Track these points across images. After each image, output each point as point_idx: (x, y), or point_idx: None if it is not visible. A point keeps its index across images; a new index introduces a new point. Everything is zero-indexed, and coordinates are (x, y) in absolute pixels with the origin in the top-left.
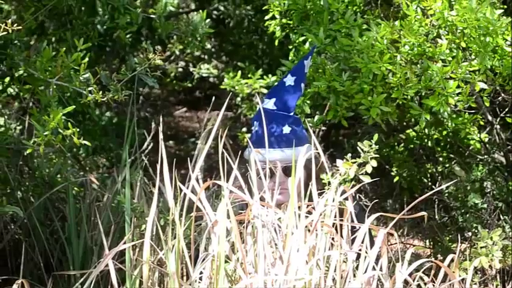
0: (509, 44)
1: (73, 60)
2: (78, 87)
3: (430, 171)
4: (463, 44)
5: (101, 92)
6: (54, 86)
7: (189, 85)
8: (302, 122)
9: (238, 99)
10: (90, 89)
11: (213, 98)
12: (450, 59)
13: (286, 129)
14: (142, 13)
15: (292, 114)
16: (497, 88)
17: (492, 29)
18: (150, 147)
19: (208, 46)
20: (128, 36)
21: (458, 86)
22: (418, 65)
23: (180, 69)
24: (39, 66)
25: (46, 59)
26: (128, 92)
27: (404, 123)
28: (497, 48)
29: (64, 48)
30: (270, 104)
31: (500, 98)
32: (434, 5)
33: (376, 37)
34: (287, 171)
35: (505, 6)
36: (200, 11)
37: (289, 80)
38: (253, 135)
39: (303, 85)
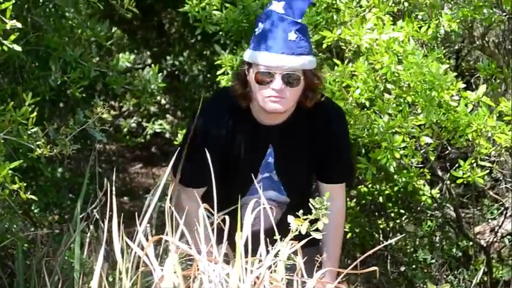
0: (455, 99)
1: (21, 115)
2: (26, 142)
3: (381, 226)
4: (410, 99)
5: (49, 147)
6: (2, 141)
7: (142, 141)
8: (308, 32)
9: None
10: (38, 143)
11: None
12: (397, 113)
13: (292, 36)
14: (95, 67)
15: (300, 21)
16: (445, 143)
17: (438, 84)
18: (103, 203)
19: (163, 101)
20: (81, 91)
21: (403, 140)
22: (365, 116)
23: (134, 125)
24: None
25: None
26: (76, 147)
27: (356, 179)
28: (442, 102)
29: (12, 103)
30: (278, 6)
31: (447, 152)
32: (382, 59)
33: (328, 80)
34: (287, 79)
35: (451, 62)
36: (152, 65)
37: None
38: (255, 37)
39: None
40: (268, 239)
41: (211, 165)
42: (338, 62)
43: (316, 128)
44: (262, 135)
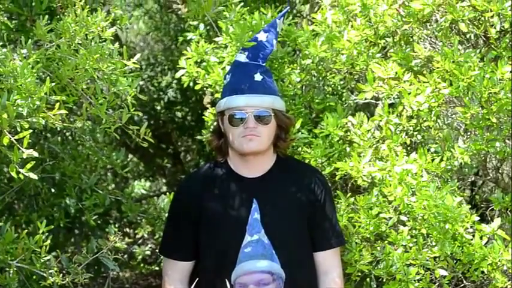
0: (469, 231)
1: (35, 242)
2: (39, 270)
3: None
4: (424, 231)
5: (61, 275)
6: (15, 268)
7: (157, 268)
8: (272, 75)
9: None
10: (51, 271)
11: None
12: (411, 245)
13: (258, 77)
14: (110, 195)
15: (263, 64)
16: (460, 275)
17: (451, 216)
18: None
19: None
20: (96, 218)
21: (418, 273)
22: (378, 248)
23: (148, 252)
24: (0, 248)
25: (8, 241)
26: (89, 275)
27: None
28: (457, 235)
29: (26, 230)
30: (242, 57)
31: (462, 285)
32: (395, 191)
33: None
34: (259, 116)
35: (465, 193)
36: (167, 193)
37: (262, 36)
38: (225, 86)
39: (275, 41)
40: None
41: (189, 233)
42: (340, 193)
43: (299, 184)
44: (243, 189)
